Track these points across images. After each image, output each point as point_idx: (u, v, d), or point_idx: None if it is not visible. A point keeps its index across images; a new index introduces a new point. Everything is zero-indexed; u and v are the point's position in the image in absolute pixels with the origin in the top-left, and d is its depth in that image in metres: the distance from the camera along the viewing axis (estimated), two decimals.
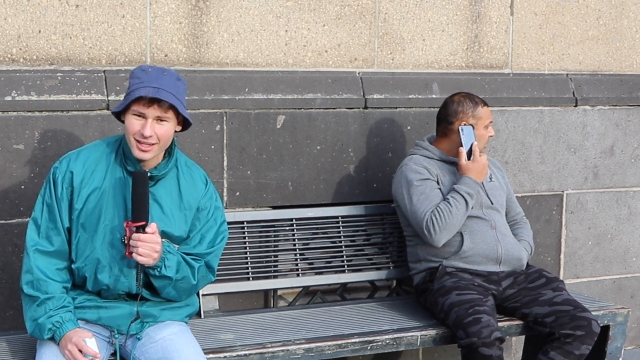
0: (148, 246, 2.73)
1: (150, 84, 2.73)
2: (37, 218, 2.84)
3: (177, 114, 2.80)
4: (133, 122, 2.76)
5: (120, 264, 2.83)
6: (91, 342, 2.73)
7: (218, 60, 3.73)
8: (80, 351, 2.72)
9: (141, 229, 2.73)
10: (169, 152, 2.90)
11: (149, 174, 2.80)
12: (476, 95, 3.71)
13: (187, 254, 2.91)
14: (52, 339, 2.77)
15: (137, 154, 2.78)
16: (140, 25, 3.58)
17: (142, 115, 2.75)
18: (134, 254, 2.73)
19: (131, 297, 2.88)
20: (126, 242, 2.75)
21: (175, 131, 2.86)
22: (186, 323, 3.03)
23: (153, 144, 2.77)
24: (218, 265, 3.46)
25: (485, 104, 3.67)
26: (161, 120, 2.77)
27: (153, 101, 2.73)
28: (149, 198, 2.78)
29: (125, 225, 2.76)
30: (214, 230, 2.96)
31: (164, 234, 2.84)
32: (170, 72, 2.82)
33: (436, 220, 3.49)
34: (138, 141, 2.76)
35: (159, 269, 2.79)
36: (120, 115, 2.83)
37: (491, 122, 3.69)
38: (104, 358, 2.87)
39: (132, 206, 2.76)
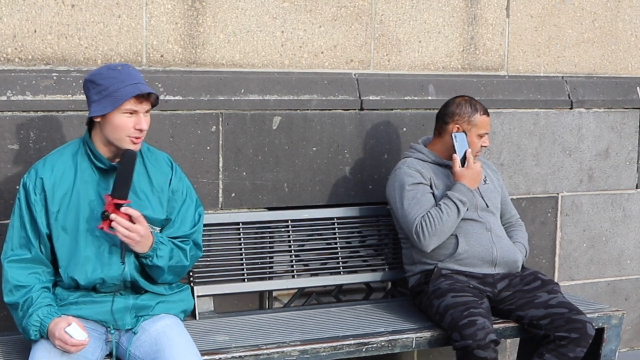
0: (131, 228, 2.78)
1: (132, 80, 2.82)
2: (10, 229, 2.91)
3: None
4: (125, 120, 2.83)
5: (109, 256, 2.87)
6: (73, 329, 2.72)
7: (214, 61, 3.73)
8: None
9: (118, 207, 2.79)
10: None
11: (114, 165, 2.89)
12: (480, 102, 3.69)
13: (175, 238, 2.98)
14: (42, 337, 2.80)
15: (132, 147, 2.86)
16: (136, 25, 3.57)
17: (133, 112, 2.82)
18: (116, 231, 2.77)
19: (127, 289, 2.92)
20: (103, 217, 2.78)
21: None
22: (181, 320, 3.05)
23: (142, 136, 2.89)
24: (213, 267, 3.50)
25: (486, 113, 3.65)
26: (146, 112, 2.87)
27: (146, 96, 2.82)
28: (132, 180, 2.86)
29: (108, 199, 2.79)
30: (192, 209, 3.04)
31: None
32: (131, 65, 2.94)
33: (426, 225, 3.49)
34: (132, 137, 2.84)
35: (150, 259, 2.86)
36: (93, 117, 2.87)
37: (487, 132, 3.67)
38: (99, 358, 2.89)
39: (118, 184, 2.80)
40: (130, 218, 2.79)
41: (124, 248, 2.84)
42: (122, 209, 2.78)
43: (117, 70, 2.83)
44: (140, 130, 2.84)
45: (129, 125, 2.82)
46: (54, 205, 2.86)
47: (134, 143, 2.86)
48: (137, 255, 2.88)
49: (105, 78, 2.82)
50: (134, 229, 2.79)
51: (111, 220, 2.77)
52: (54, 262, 2.91)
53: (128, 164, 2.83)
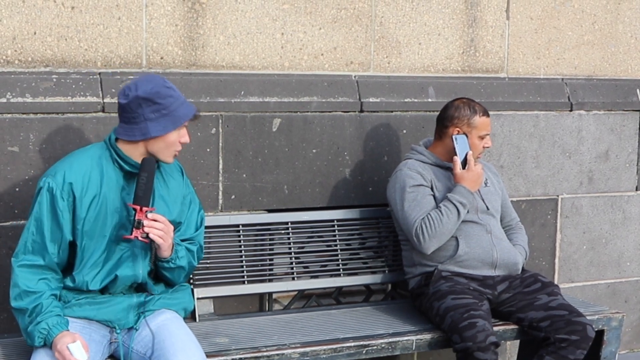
0: (165, 230, 2.85)
1: (182, 97, 2.92)
2: (25, 232, 2.88)
3: None
4: (176, 137, 2.91)
5: (127, 259, 2.91)
6: (76, 347, 2.72)
7: (214, 63, 3.73)
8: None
9: (145, 215, 2.84)
10: None
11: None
12: (479, 103, 3.68)
13: (182, 241, 3.03)
14: (45, 345, 2.79)
15: (171, 160, 2.95)
16: (136, 27, 3.57)
17: (181, 128, 2.93)
18: (151, 235, 2.81)
19: (130, 289, 2.96)
20: (136, 225, 2.81)
21: None
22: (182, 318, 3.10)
23: None
24: (213, 269, 3.52)
25: (485, 114, 3.65)
26: None
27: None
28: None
29: (137, 208, 2.81)
30: (196, 212, 3.12)
31: None
32: None
33: (426, 228, 3.49)
34: (177, 150, 2.95)
35: (173, 261, 2.93)
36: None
37: (488, 134, 3.67)
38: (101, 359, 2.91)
39: (142, 191, 2.83)
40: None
41: (154, 252, 2.88)
42: (150, 215, 2.83)
43: (172, 88, 2.89)
44: (185, 144, 2.94)
45: (177, 140, 2.92)
46: (82, 210, 2.86)
47: (174, 157, 2.96)
48: (157, 261, 2.92)
49: (164, 97, 2.86)
50: (167, 230, 2.85)
51: (144, 227, 2.80)
52: (68, 266, 2.91)
53: (150, 171, 2.86)
